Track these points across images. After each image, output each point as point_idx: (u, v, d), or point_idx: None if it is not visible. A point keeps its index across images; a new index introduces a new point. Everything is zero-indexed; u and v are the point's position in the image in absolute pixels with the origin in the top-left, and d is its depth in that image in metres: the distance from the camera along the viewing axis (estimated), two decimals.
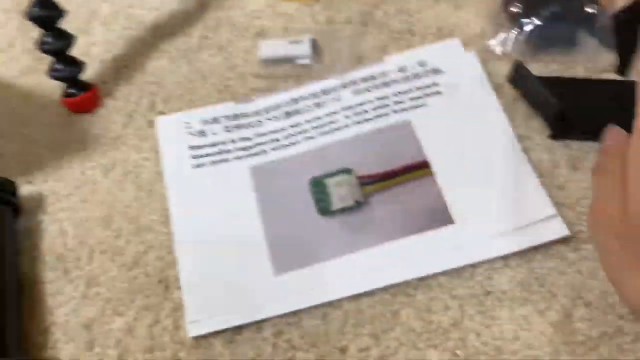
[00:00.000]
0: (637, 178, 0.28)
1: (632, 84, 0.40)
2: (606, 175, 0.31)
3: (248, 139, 0.41)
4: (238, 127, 0.42)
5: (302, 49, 0.44)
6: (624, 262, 0.28)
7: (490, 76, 0.43)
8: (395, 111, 0.41)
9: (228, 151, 0.41)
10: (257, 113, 0.43)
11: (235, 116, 0.42)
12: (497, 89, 0.42)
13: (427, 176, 0.38)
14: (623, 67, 0.41)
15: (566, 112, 0.39)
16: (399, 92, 0.42)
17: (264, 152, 0.41)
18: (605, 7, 0.42)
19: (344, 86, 0.43)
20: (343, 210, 0.38)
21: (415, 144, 0.40)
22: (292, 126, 0.42)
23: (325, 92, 0.43)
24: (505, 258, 0.36)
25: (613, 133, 0.32)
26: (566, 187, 0.37)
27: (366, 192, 0.38)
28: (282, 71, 0.44)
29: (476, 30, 0.45)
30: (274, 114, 0.42)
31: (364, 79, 0.43)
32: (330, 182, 0.39)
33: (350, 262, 0.36)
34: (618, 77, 0.41)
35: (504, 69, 0.42)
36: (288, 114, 0.42)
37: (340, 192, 0.38)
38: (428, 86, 0.42)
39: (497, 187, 0.38)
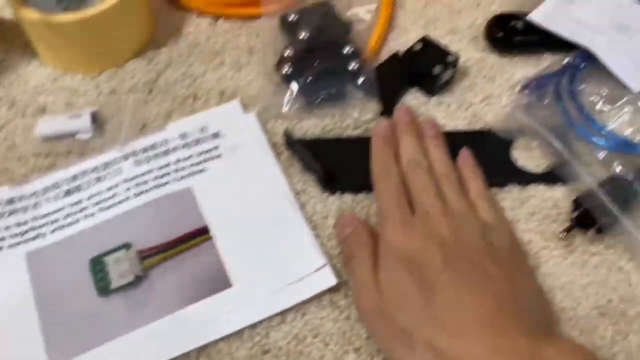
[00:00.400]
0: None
1: None
2: (356, 264, 0.36)
3: (24, 223, 0.40)
4: (13, 212, 0.41)
5: (82, 123, 0.44)
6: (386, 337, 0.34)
7: (271, 135, 0.45)
8: (176, 179, 0.42)
9: (2, 239, 0.39)
10: (34, 195, 0.41)
11: (10, 201, 0.41)
12: (276, 147, 0.44)
13: (207, 241, 0.39)
14: (388, 115, 0.45)
15: (333, 171, 0.41)
16: (180, 159, 0.43)
17: (42, 235, 0.40)
18: (367, 63, 0.46)
19: (126, 157, 0.43)
20: (123, 287, 0.37)
21: (195, 210, 0.41)
22: (71, 205, 0.41)
23: (106, 165, 0.43)
24: (282, 314, 0.37)
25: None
26: (333, 237, 0.40)
27: (147, 265, 0.38)
28: (63, 147, 0.44)
29: (256, 92, 0.47)
30: (52, 193, 0.41)
31: (145, 149, 0.43)
32: (110, 259, 0.38)
33: (131, 341, 0.36)
34: None
35: (282, 127, 0.45)
36: (68, 192, 0.42)
37: (119, 269, 0.38)
38: (208, 151, 0.43)
39: (273, 245, 0.39)
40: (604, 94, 0.42)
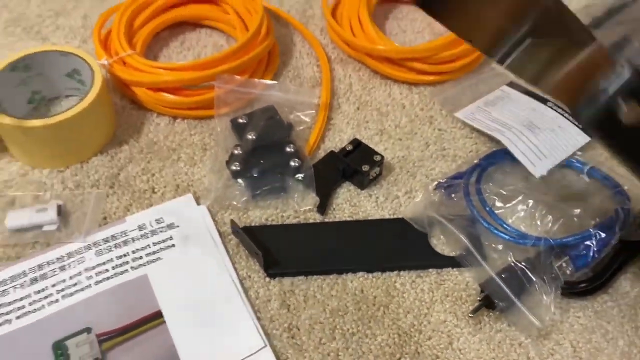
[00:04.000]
0: None
1: (329, 224, 0.50)
2: None
3: None
4: None
5: (49, 216, 0.49)
6: None
7: (220, 225, 0.50)
8: (133, 267, 0.47)
9: None
10: (2, 283, 0.45)
11: None
12: (225, 235, 0.50)
13: (161, 325, 0.44)
14: (323, 207, 0.51)
15: (273, 256, 0.47)
16: (137, 249, 0.48)
17: (8, 321, 0.44)
18: (306, 160, 0.53)
19: (88, 248, 0.48)
20: None
21: (150, 296, 0.45)
22: (37, 292, 0.45)
23: (70, 255, 0.47)
24: None
25: None
26: (274, 319, 0.45)
27: (105, 348, 0.42)
28: (30, 238, 0.48)
29: (207, 185, 0.53)
30: (19, 281, 0.46)
31: (106, 240, 0.48)
32: (71, 343, 0.43)
33: None
34: (319, 219, 0.51)
35: (230, 217, 0.50)
36: (34, 280, 0.46)
37: (80, 352, 0.42)
38: (163, 240, 0.48)
39: (219, 329, 0.44)
40: (504, 193, 0.50)
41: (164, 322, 0.44)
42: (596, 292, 0.46)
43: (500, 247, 0.47)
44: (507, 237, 0.47)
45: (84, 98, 0.51)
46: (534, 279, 0.44)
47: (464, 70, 0.63)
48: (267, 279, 0.47)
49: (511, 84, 0.62)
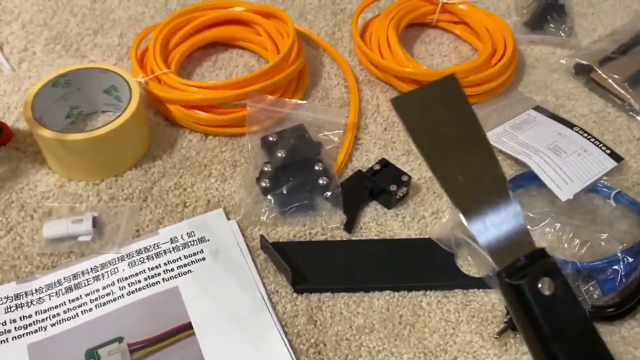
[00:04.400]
0: None
1: (357, 242, 0.51)
2: None
3: (28, 317, 0.45)
4: (19, 306, 0.46)
5: (84, 227, 0.50)
6: None
7: (249, 240, 0.51)
8: (165, 279, 0.48)
9: (8, 331, 0.45)
10: (38, 291, 0.47)
11: (17, 296, 0.46)
12: (254, 250, 0.51)
13: (190, 337, 0.45)
14: (350, 225, 0.52)
15: (301, 272, 0.48)
16: (169, 261, 0.49)
17: (43, 328, 0.45)
18: (334, 178, 0.54)
19: (121, 259, 0.49)
20: None
21: (181, 308, 0.46)
22: (71, 301, 0.47)
23: (103, 265, 0.49)
24: None
25: None
26: (301, 334, 0.46)
27: (136, 358, 0.43)
28: (66, 248, 0.50)
29: (237, 201, 0.54)
30: (54, 290, 0.47)
31: (139, 251, 0.49)
32: (103, 352, 0.44)
33: None
34: (346, 238, 0.52)
35: (260, 233, 0.51)
36: (69, 289, 0.47)
37: None
38: (194, 253, 0.50)
39: (246, 343, 0.45)
40: (531, 216, 0.50)
41: (194, 333, 0.45)
42: (624, 317, 0.46)
43: None
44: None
45: (122, 114, 0.53)
46: None
47: (490, 94, 0.64)
48: (295, 294, 0.48)
49: (537, 108, 0.63)
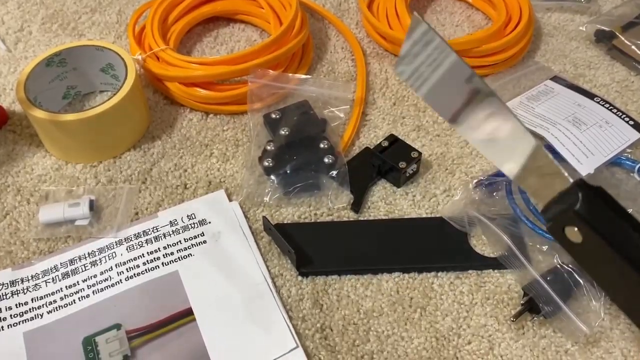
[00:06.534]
0: None
1: (364, 222, 0.49)
2: None
3: (24, 304, 0.44)
4: (15, 293, 0.44)
5: (81, 211, 0.48)
6: None
7: (252, 222, 0.49)
8: (164, 264, 0.46)
9: (3, 319, 0.43)
10: (34, 277, 0.45)
11: (13, 282, 0.45)
12: (257, 232, 0.48)
13: (191, 323, 0.43)
14: (357, 205, 0.50)
15: (306, 254, 0.46)
16: (169, 245, 0.47)
17: (39, 316, 0.43)
18: (340, 156, 0.51)
19: (119, 243, 0.47)
20: None
21: (181, 293, 0.44)
22: (68, 287, 0.45)
23: (101, 250, 0.47)
24: None
25: None
26: (307, 319, 0.44)
27: (134, 345, 0.42)
28: (63, 233, 0.48)
29: (240, 182, 0.52)
30: (51, 276, 0.45)
31: (137, 235, 0.48)
32: (101, 339, 0.42)
33: None
34: (353, 218, 0.49)
35: (263, 214, 0.49)
36: (65, 275, 0.45)
37: (109, 349, 0.42)
38: (195, 237, 0.48)
39: (250, 328, 0.43)
40: None
41: (195, 319, 0.43)
42: None
43: (545, 248, 0.44)
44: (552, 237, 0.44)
45: (117, 92, 0.51)
46: (582, 282, 0.42)
47: (505, 64, 0.61)
48: (300, 277, 0.46)
49: (555, 79, 0.59)
